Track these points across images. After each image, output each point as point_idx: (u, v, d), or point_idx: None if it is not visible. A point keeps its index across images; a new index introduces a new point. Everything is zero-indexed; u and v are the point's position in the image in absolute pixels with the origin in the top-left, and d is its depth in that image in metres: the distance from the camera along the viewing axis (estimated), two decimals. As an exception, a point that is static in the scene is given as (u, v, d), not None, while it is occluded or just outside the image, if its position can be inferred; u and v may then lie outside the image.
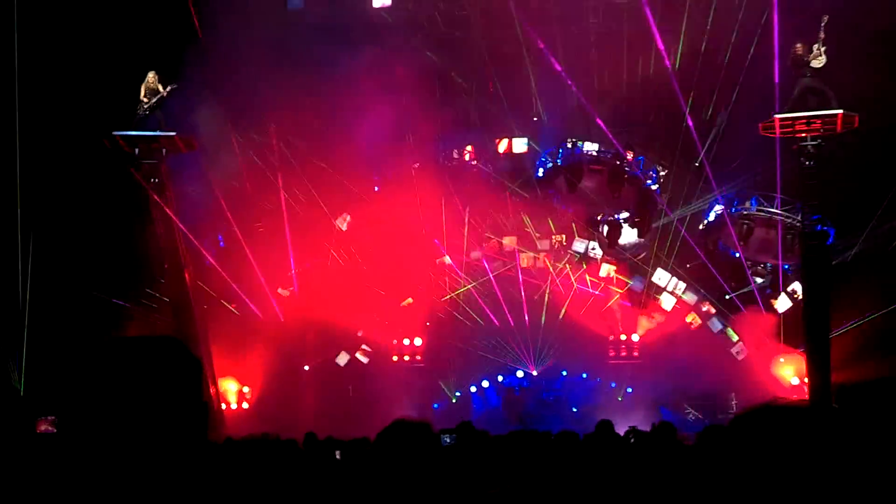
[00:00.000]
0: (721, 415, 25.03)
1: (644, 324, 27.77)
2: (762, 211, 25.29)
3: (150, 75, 20.96)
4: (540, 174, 28.04)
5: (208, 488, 2.42)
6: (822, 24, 19.46)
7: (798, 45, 19.92)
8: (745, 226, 25.55)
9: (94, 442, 2.29)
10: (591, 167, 27.50)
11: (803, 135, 20.07)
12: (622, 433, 10.32)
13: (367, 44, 24.08)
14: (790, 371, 24.69)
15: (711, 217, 26.67)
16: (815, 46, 19.62)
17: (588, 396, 27.52)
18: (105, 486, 2.22)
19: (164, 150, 21.21)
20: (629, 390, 27.54)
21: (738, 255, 25.69)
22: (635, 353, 28.06)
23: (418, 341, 28.06)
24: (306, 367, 26.74)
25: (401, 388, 25.76)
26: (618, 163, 26.95)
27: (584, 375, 28.13)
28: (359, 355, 27.45)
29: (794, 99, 20.17)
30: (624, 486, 5.93)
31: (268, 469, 5.16)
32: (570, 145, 27.29)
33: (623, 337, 27.97)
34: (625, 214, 27.85)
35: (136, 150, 21.06)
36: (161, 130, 20.98)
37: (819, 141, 19.99)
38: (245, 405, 25.21)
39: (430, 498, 3.56)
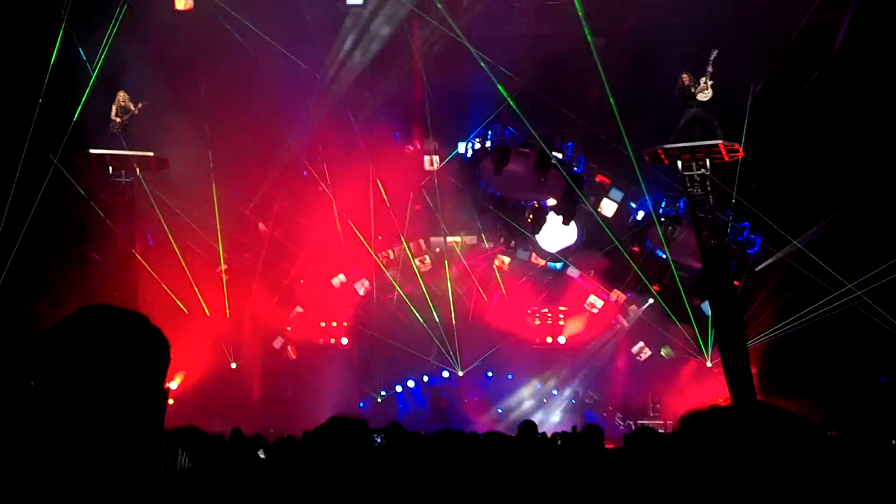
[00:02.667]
0: (645, 419, 25.28)
1: (573, 326, 28.10)
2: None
3: (121, 94, 21.10)
4: (468, 155, 28.16)
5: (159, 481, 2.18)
6: (711, 58, 19.72)
7: (684, 76, 20.08)
8: (670, 227, 25.86)
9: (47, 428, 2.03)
10: (518, 150, 27.66)
11: (690, 164, 20.35)
12: (549, 435, 10.40)
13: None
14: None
15: (640, 216, 26.93)
16: (703, 80, 19.83)
17: (513, 397, 27.68)
18: (54, 479, 1.98)
19: (137, 169, 21.50)
20: (554, 392, 27.77)
21: (664, 256, 25.95)
22: (560, 339, 28.43)
23: (344, 340, 28.18)
24: (234, 365, 26.43)
25: (327, 386, 25.60)
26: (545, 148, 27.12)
27: (510, 377, 28.29)
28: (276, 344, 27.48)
29: (679, 128, 20.43)
30: (555, 487, 5.97)
31: (196, 461, 5.07)
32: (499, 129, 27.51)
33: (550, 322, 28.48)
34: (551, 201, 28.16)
35: (110, 168, 21.29)
36: (131, 148, 21.25)
37: (704, 170, 20.24)
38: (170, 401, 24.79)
39: (363, 498, 3.52)
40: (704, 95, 19.77)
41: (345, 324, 28.18)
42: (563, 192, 27.60)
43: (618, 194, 27.08)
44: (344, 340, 28.18)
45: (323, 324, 28.20)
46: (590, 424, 9.82)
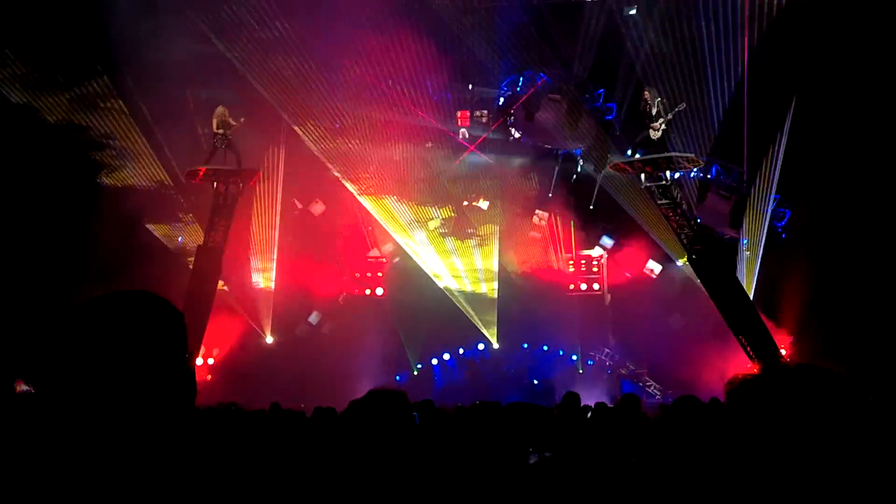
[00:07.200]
0: (681, 389, 25.12)
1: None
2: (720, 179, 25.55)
3: (220, 109, 21.55)
4: (501, 102, 27.90)
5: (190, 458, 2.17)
6: (676, 109, 19.65)
7: (646, 93, 19.98)
8: (700, 191, 25.69)
9: (69, 413, 2.02)
10: (550, 96, 27.41)
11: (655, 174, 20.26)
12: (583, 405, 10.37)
13: None
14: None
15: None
16: (661, 122, 19.67)
17: (549, 369, 27.66)
18: (86, 461, 1.98)
19: (240, 184, 22.03)
20: (590, 363, 27.75)
21: (698, 220, 25.74)
22: (595, 286, 28.49)
23: (379, 290, 28.46)
24: (270, 340, 26.64)
25: (363, 360, 25.69)
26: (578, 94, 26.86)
27: (545, 347, 28.28)
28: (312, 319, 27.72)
29: (639, 142, 20.34)
30: (590, 456, 5.99)
31: (239, 437, 5.12)
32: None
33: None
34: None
35: (214, 184, 21.86)
36: (233, 162, 21.78)
37: (665, 181, 20.10)
38: (208, 377, 25.08)
39: (408, 472, 3.54)
40: (654, 134, 19.73)
41: (379, 274, 28.35)
42: (594, 139, 27.29)
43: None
44: (379, 290, 28.39)
45: (358, 274, 28.37)
46: (627, 394, 9.81)
